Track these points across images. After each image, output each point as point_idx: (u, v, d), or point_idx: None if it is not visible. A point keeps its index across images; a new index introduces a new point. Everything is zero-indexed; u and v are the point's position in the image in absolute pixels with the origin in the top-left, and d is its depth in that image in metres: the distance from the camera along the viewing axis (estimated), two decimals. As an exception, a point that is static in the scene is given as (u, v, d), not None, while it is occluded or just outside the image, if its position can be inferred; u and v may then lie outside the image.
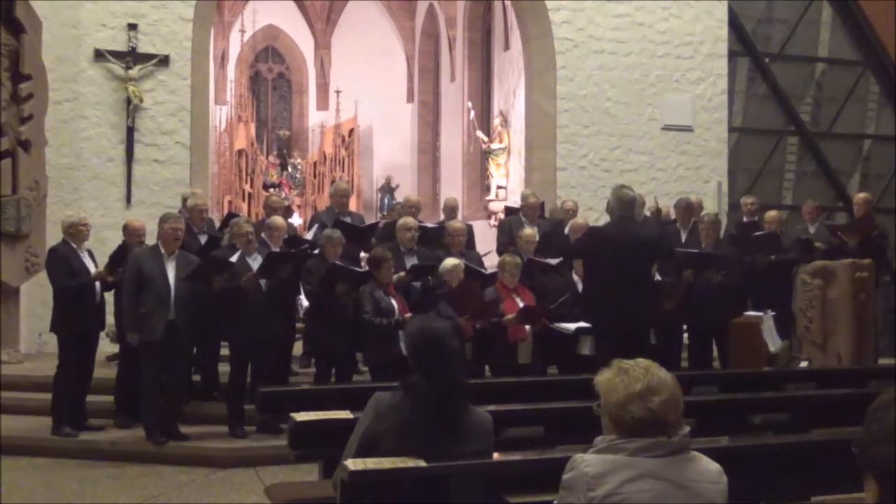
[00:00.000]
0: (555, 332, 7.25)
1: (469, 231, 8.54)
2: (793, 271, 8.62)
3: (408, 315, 6.78)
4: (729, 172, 12.25)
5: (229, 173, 18.06)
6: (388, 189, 19.18)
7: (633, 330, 6.39)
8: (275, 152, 19.68)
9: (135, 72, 10.35)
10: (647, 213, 9.33)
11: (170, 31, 10.56)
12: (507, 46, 15.09)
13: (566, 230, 8.76)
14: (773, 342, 8.04)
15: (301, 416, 4.37)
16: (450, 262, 7.29)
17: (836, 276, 7.82)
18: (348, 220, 8.42)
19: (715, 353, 8.37)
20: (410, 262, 7.68)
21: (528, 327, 7.20)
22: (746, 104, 12.94)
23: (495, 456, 3.39)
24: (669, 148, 11.93)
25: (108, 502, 5.86)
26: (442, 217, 10.22)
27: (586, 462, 2.24)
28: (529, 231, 8.20)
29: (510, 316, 7.10)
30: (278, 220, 7.73)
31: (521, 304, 7.28)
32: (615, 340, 6.28)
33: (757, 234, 8.80)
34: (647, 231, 7.12)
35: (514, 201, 13.43)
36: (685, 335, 8.36)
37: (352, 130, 18.96)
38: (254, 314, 6.98)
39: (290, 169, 19.43)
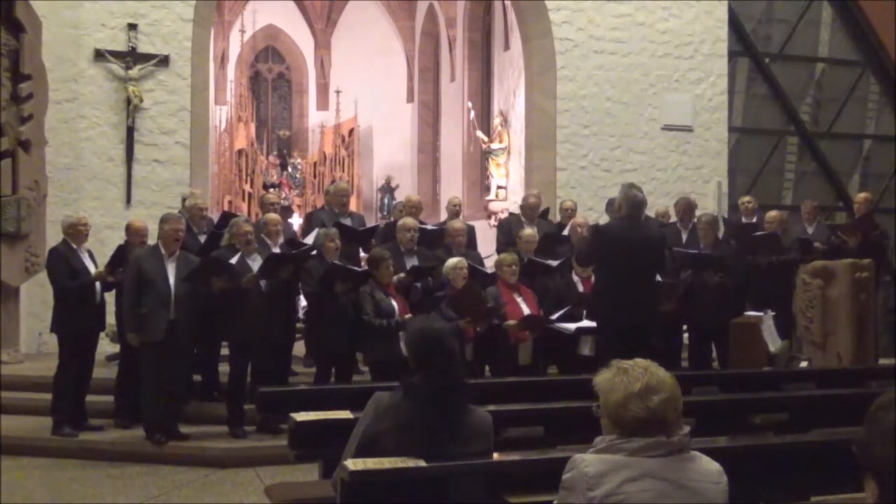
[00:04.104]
0: (555, 332, 7.26)
1: (470, 231, 8.53)
2: (793, 271, 8.61)
3: (408, 316, 6.78)
4: (729, 172, 12.25)
5: (229, 173, 18.07)
6: (388, 189, 19.18)
7: (637, 327, 6.42)
8: (275, 152, 19.68)
9: (135, 72, 10.34)
10: (651, 216, 9.34)
11: (170, 31, 10.56)
12: (507, 46, 15.09)
13: (566, 230, 8.78)
14: (773, 342, 8.04)
15: (301, 416, 4.37)
16: (453, 260, 7.30)
17: (836, 276, 7.82)
18: (348, 221, 8.41)
19: (715, 353, 8.36)
20: (410, 262, 7.68)
21: (527, 329, 7.23)
22: (746, 104, 12.95)
23: (495, 456, 3.39)
24: (669, 148, 11.93)
25: (108, 502, 5.86)
26: (444, 217, 10.21)
27: (586, 462, 2.24)
28: (529, 231, 8.20)
29: (512, 322, 7.10)
30: (270, 215, 7.78)
31: (522, 305, 7.29)
32: (619, 337, 6.32)
33: (757, 234, 8.80)
34: (651, 230, 7.15)
35: (515, 202, 13.45)
36: (685, 335, 8.36)
37: (352, 130, 18.96)
38: (254, 314, 6.99)
39: (290, 169, 19.43)
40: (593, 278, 7.27)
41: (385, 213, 17.93)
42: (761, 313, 8.12)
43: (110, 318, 7.67)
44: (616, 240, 6.56)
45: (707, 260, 7.95)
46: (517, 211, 9.55)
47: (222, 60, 18.75)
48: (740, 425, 4.74)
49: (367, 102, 18.69)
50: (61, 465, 6.70)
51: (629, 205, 6.59)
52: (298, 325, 8.16)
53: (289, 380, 7.66)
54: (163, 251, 6.92)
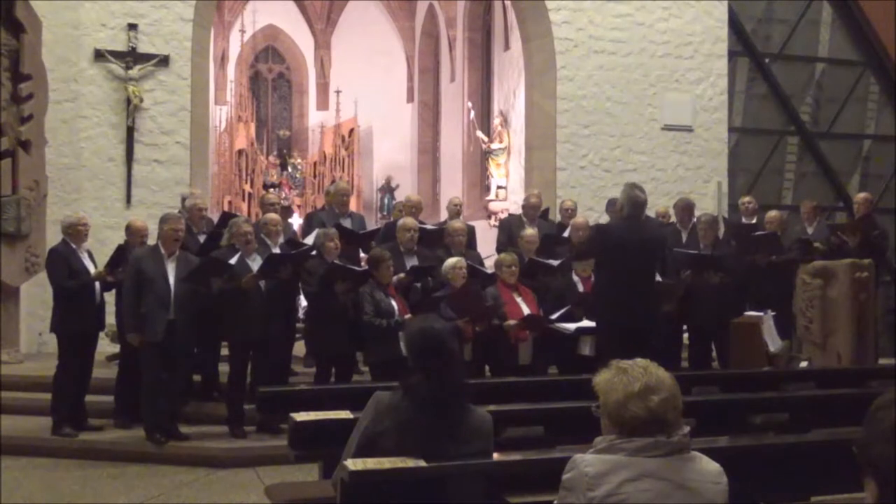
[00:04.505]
0: (555, 332, 7.26)
1: (470, 232, 8.54)
2: (793, 271, 8.61)
3: (408, 316, 6.78)
4: (729, 172, 12.24)
5: (229, 173, 18.08)
6: (388, 189, 19.19)
7: (636, 328, 6.43)
8: (275, 152, 19.69)
9: (135, 72, 10.34)
10: (651, 216, 9.35)
11: (170, 31, 10.55)
12: (507, 46, 15.09)
13: (566, 231, 8.77)
14: (773, 342, 8.04)
15: (301, 416, 4.37)
16: (452, 260, 7.30)
17: (836, 276, 7.81)
18: (348, 221, 8.41)
19: (715, 353, 8.36)
20: (410, 262, 7.68)
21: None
22: (746, 104, 12.94)
23: (495, 456, 3.39)
24: (669, 148, 11.93)
25: (108, 502, 5.86)
26: (445, 217, 10.20)
27: (586, 462, 2.24)
28: (531, 231, 8.20)
29: (512, 322, 7.10)
30: (270, 215, 7.79)
31: (522, 305, 7.29)
32: (618, 338, 6.33)
33: (757, 234, 8.81)
34: (652, 230, 7.19)
35: (514, 201, 13.45)
36: (685, 335, 8.36)
37: (352, 130, 18.97)
38: (253, 314, 6.99)
39: (290, 169, 19.44)
40: (593, 278, 7.28)
41: (385, 213, 17.95)
42: (761, 313, 8.12)
43: (110, 318, 7.66)
44: (617, 240, 6.59)
45: (707, 260, 7.95)
46: (517, 211, 9.55)
47: (222, 60, 18.76)
48: (740, 425, 4.74)
49: (367, 102, 18.69)
50: (61, 465, 6.69)
51: (630, 205, 6.63)
52: (298, 325, 8.16)
53: (289, 380, 7.66)
54: (162, 251, 6.92)
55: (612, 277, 6.65)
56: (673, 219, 9.23)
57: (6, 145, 8.96)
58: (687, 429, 2.29)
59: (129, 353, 7.17)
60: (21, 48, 9.18)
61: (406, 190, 17.64)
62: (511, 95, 14.75)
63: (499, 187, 15.11)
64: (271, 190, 16.91)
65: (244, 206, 17.41)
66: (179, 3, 10.58)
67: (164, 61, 10.49)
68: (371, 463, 3.09)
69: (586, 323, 7.16)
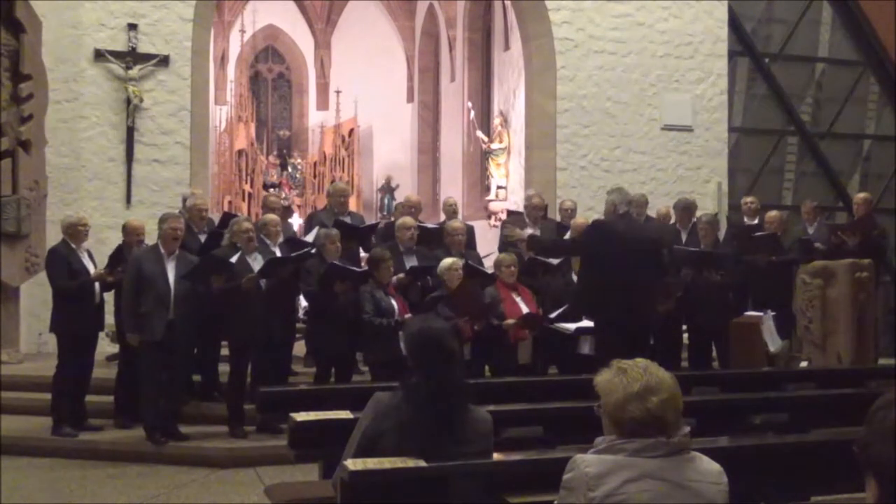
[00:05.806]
0: (555, 332, 7.26)
1: (470, 231, 8.54)
2: (793, 271, 8.62)
3: (407, 315, 6.78)
4: (729, 172, 12.24)
5: (229, 173, 18.06)
6: (388, 189, 19.18)
7: (635, 323, 6.43)
8: (275, 152, 19.68)
9: (135, 72, 10.34)
10: (650, 215, 9.36)
11: (170, 31, 10.55)
12: (507, 46, 15.09)
13: (567, 234, 8.77)
14: (773, 342, 8.04)
15: (301, 416, 4.37)
16: (448, 261, 7.29)
17: (836, 276, 7.81)
18: (348, 219, 8.41)
19: (715, 353, 8.36)
20: (410, 261, 7.68)
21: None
22: (746, 104, 12.94)
23: (495, 456, 3.39)
24: (669, 148, 11.93)
25: (108, 502, 5.86)
26: (443, 217, 10.21)
27: (586, 462, 2.24)
28: (532, 231, 8.21)
29: (511, 321, 7.10)
30: (269, 215, 7.81)
31: (521, 304, 7.29)
32: (619, 334, 6.33)
33: (757, 234, 8.81)
34: (649, 227, 7.20)
35: (514, 201, 13.45)
36: (685, 335, 8.36)
37: (352, 130, 18.95)
38: (254, 314, 6.99)
39: (290, 169, 19.43)
40: (581, 273, 7.28)
41: (385, 213, 17.93)
42: (761, 313, 8.12)
43: (110, 318, 7.66)
44: (614, 236, 6.60)
45: (707, 258, 7.95)
46: (515, 210, 9.55)
47: (222, 60, 18.74)
48: (740, 425, 4.74)
49: (367, 102, 18.68)
50: (61, 465, 6.70)
51: (625, 203, 6.68)
52: (298, 325, 8.16)
53: (289, 380, 7.66)
54: (162, 251, 6.92)
55: (607, 273, 6.62)
56: (673, 219, 9.23)
57: (6, 145, 8.97)
58: (687, 429, 2.29)
59: (129, 353, 7.17)
60: (21, 48, 9.18)
61: (406, 190, 17.61)
62: (511, 95, 14.75)
63: (499, 187, 15.11)
64: (272, 190, 16.91)
65: (244, 206, 17.40)
66: (179, 3, 10.58)
67: (164, 61, 10.49)
68: (371, 463, 3.10)
69: (586, 323, 7.16)
